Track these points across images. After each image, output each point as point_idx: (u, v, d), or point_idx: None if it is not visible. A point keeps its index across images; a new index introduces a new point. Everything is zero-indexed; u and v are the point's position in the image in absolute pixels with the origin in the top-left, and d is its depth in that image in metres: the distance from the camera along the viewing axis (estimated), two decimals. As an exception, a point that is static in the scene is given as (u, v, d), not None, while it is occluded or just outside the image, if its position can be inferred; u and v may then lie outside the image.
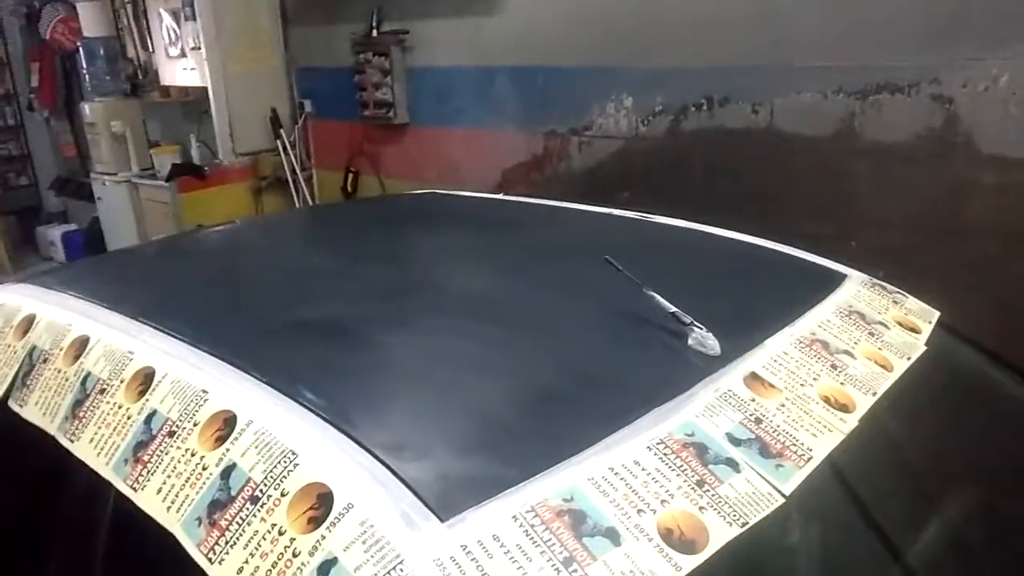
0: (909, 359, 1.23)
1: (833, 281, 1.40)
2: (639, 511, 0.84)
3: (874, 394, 1.12)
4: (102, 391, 1.11)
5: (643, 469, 0.89)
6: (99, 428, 1.08)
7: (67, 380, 1.17)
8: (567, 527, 0.81)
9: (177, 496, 0.93)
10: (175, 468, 0.96)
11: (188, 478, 0.94)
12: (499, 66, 3.94)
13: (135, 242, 4.88)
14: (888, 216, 2.84)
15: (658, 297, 1.13)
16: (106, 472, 1.02)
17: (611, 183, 3.64)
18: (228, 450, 0.92)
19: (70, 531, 1.16)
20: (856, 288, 1.39)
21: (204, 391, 1.01)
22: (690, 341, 1.11)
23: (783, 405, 1.04)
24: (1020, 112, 2.54)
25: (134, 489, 0.98)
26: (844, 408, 1.07)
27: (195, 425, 0.97)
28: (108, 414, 1.08)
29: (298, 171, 5.00)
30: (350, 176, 4.85)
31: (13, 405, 1.24)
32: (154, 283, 1.48)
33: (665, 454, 0.91)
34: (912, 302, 1.43)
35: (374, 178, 4.74)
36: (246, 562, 0.83)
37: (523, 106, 3.89)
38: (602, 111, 3.59)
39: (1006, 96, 2.55)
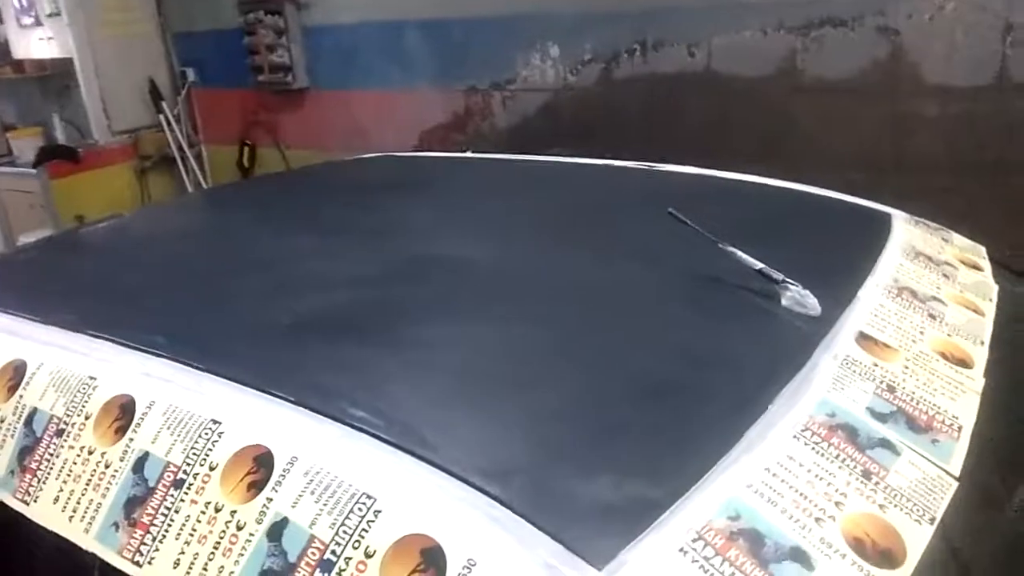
0: (991, 300, 1.11)
1: (883, 222, 1.26)
2: (817, 520, 0.67)
3: (982, 343, 0.99)
4: (60, 432, 0.84)
5: (800, 465, 0.72)
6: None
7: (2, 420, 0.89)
8: (746, 554, 0.63)
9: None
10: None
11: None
12: (408, 20, 3.65)
13: None
14: (835, 154, 2.77)
15: (739, 252, 0.95)
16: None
17: (539, 139, 3.44)
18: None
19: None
20: (907, 228, 1.26)
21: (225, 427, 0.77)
22: (784, 301, 0.94)
23: (906, 367, 0.89)
24: (967, 40, 2.50)
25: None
26: (963, 363, 0.93)
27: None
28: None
29: (185, 148, 4.55)
30: (246, 150, 4.45)
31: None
32: (95, 283, 1.18)
33: (816, 442, 0.75)
34: (957, 238, 1.32)
35: (274, 150, 4.37)
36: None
37: (438, 62, 3.63)
38: (526, 62, 3.38)
39: (952, 24, 2.50)
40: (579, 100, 3.28)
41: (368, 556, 0.62)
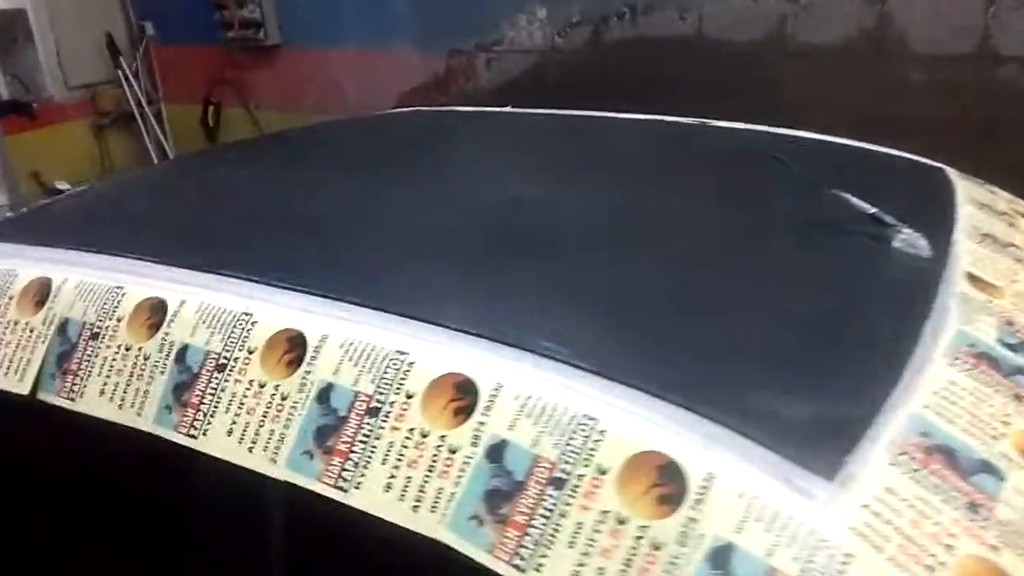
0: None
1: (941, 174, 1.33)
2: (993, 437, 0.72)
3: None
4: (220, 366, 0.83)
5: (963, 388, 0.77)
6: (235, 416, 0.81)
7: (147, 358, 0.88)
8: (946, 467, 0.67)
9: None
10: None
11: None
12: (389, -25, 3.59)
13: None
14: (823, 119, 2.86)
15: (851, 198, 1.00)
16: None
17: (524, 103, 3.43)
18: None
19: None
20: (963, 180, 1.33)
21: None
22: (896, 243, 0.99)
23: (1014, 303, 0.95)
24: (951, 9, 2.61)
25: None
26: None
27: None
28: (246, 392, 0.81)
29: (145, 105, 4.39)
30: (211, 109, 4.32)
31: (53, 398, 0.92)
32: (211, 226, 1.15)
33: (967, 369, 0.80)
34: (999, 191, 1.40)
35: (241, 110, 4.25)
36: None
37: (420, 21, 3.58)
38: (512, 24, 3.37)
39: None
40: (567, 63, 3.29)
41: (602, 472, 0.65)
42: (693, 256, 0.95)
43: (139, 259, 0.98)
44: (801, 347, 0.79)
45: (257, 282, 0.88)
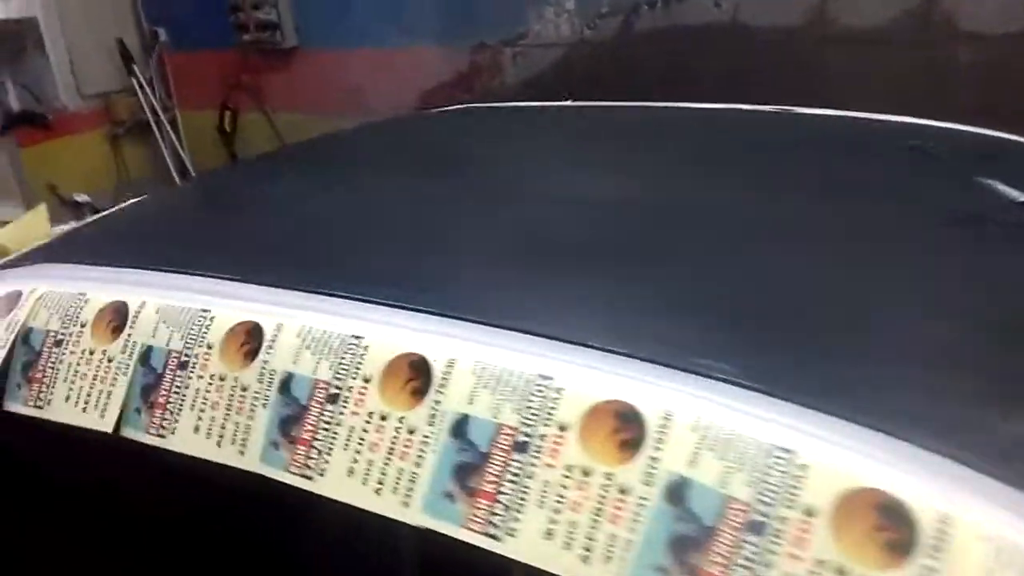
0: None
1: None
2: None
3: None
4: (332, 397, 0.75)
5: None
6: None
7: (245, 389, 0.80)
8: None
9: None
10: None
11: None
12: (408, -28, 3.50)
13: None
14: (864, 105, 2.78)
15: (999, 184, 0.92)
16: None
17: (552, 97, 3.36)
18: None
19: None
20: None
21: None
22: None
23: None
24: (1001, -12, 2.52)
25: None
26: None
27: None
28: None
29: (160, 112, 4.31)
30: (227, 115, 4.24)
31: (141, 435, 0.85)
32: (255, 231, 1.08)
33: None
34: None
35: (258, 115, 4.17)
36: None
37: (442, 17, 3.50)
38: (539, 16, 3.28)
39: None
40: (596, 55, 3.21)
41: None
42: (839, 255, 0.87)
43: (224, 279, 0.90)
44: (989, 356, 0.71)
45: (366, 301, 0.80)
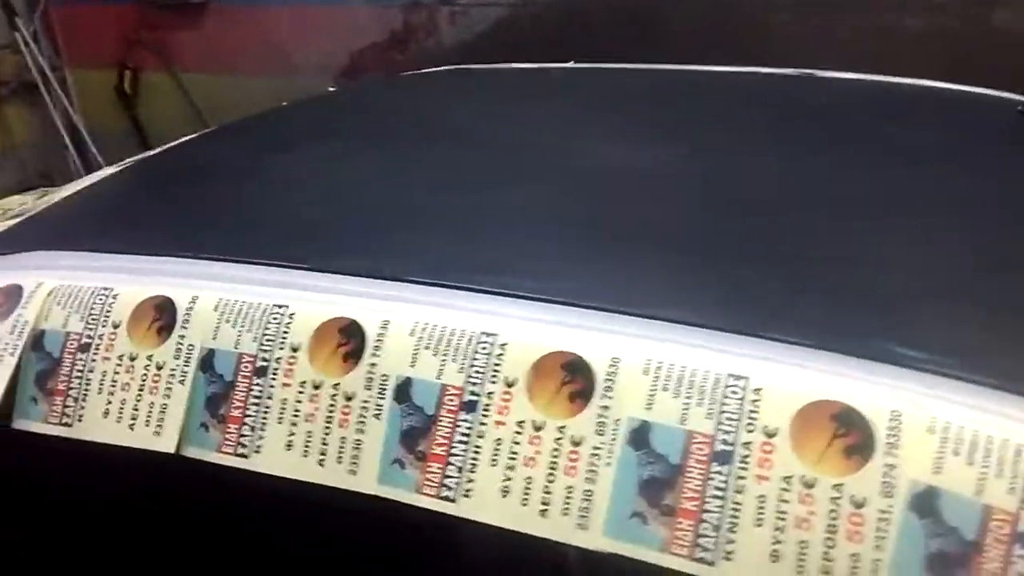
0: None
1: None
2: None
3: None
4: (467, 404, 0.64)
5: None
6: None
7: (349, 398, 0.67)
8: None
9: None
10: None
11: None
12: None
13: None
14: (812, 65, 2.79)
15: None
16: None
17: (493, 60, 3.23)
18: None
19: None
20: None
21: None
22: None
23: None
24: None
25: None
26: None
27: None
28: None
29: (48, 72, 3.90)
30: (127, 74, 3.88)
31: (212, 455, 0.71)
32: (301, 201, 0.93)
33: None
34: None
35: (163, 75, 3.83)
36: None
37: (373, -27, 3.28)
38: (481, -26, 3.13)
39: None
40: (543, 16, 3.09)
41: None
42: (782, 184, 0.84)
43: (295, 268, 0.76)
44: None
45: (501, 294, 0.69)
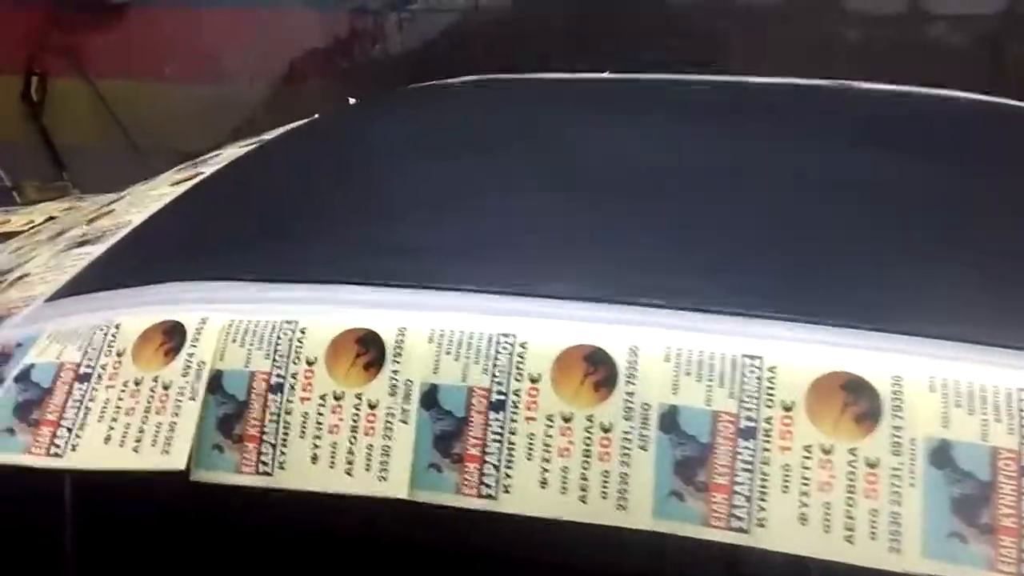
0: None
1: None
2: None
3: None
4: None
5: None
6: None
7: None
8: None
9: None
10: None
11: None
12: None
13: None
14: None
15: None
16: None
17: (442, 68, 3.17)
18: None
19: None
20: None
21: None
22: None
23: None
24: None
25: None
26: None
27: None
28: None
29: (-57, 78, 3.56)
30: (34, 80, 3.59)
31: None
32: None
33: None
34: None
35: (77, 80, 3.57)
36: None
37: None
38: (430, -21, 3.09)
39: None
40: (494, 23, 3.08)
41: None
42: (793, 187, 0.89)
43: (513, 294, 0.72)
44: None
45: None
